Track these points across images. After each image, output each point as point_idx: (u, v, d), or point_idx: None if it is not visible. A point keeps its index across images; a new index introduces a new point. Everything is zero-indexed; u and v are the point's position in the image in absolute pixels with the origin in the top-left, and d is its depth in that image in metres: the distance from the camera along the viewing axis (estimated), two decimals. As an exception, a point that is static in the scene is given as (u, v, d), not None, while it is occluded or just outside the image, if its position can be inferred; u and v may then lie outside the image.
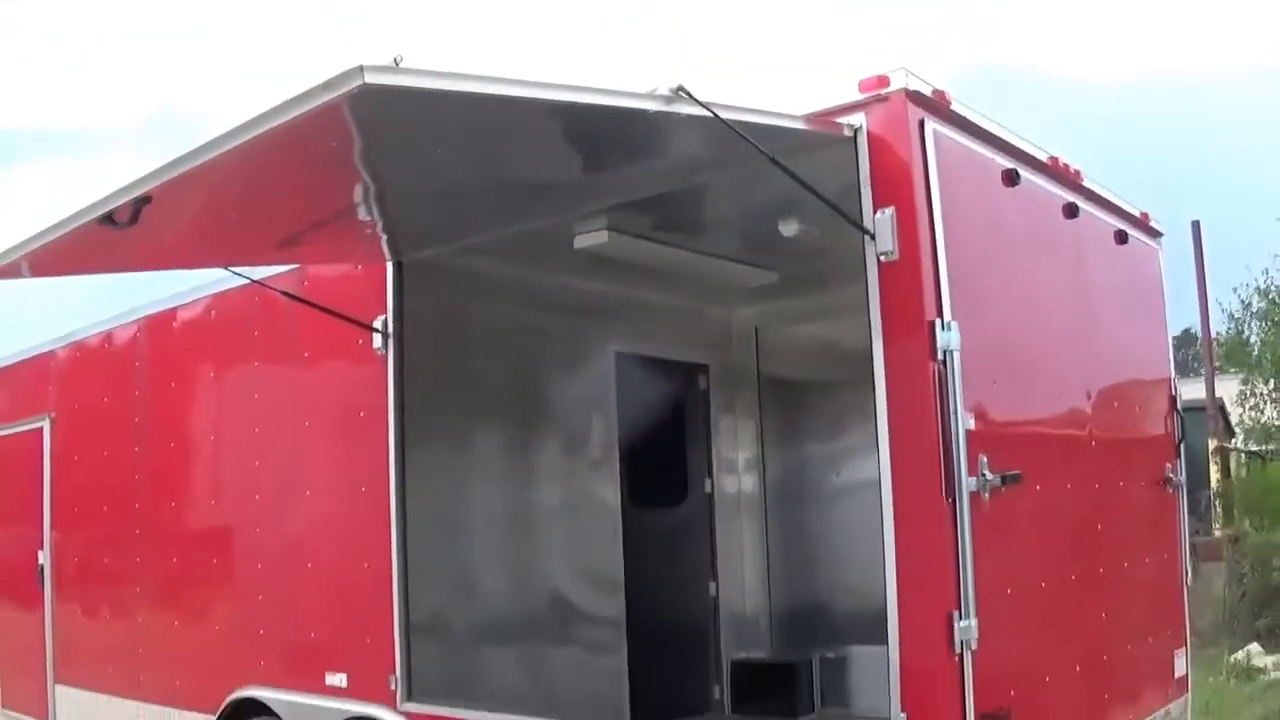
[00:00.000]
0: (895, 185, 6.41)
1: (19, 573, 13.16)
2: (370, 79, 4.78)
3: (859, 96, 6.59)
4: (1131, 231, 9.10)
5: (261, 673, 9.80)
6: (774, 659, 11.13)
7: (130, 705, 11.24)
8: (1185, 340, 52.19)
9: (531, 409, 10.18)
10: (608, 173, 7.55)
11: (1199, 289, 28.61)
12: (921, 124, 6.53)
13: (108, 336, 12.07)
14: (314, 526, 9.49)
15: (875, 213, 6.39)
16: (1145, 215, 9.50)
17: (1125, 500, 8.74)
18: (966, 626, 6.18)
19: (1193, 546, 17.41)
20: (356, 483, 9.01)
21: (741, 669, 10.91)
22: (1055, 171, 8.06)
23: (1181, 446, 9.64)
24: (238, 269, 8.95)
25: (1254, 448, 28.99)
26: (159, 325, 11.31)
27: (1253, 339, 29.17)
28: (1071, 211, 8.05)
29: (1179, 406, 9.72)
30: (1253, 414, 27.87)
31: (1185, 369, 47.00)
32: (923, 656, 6.26)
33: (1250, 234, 33.55)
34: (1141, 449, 9.19)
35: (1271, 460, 26.86)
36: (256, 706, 9.78)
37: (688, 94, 5.68)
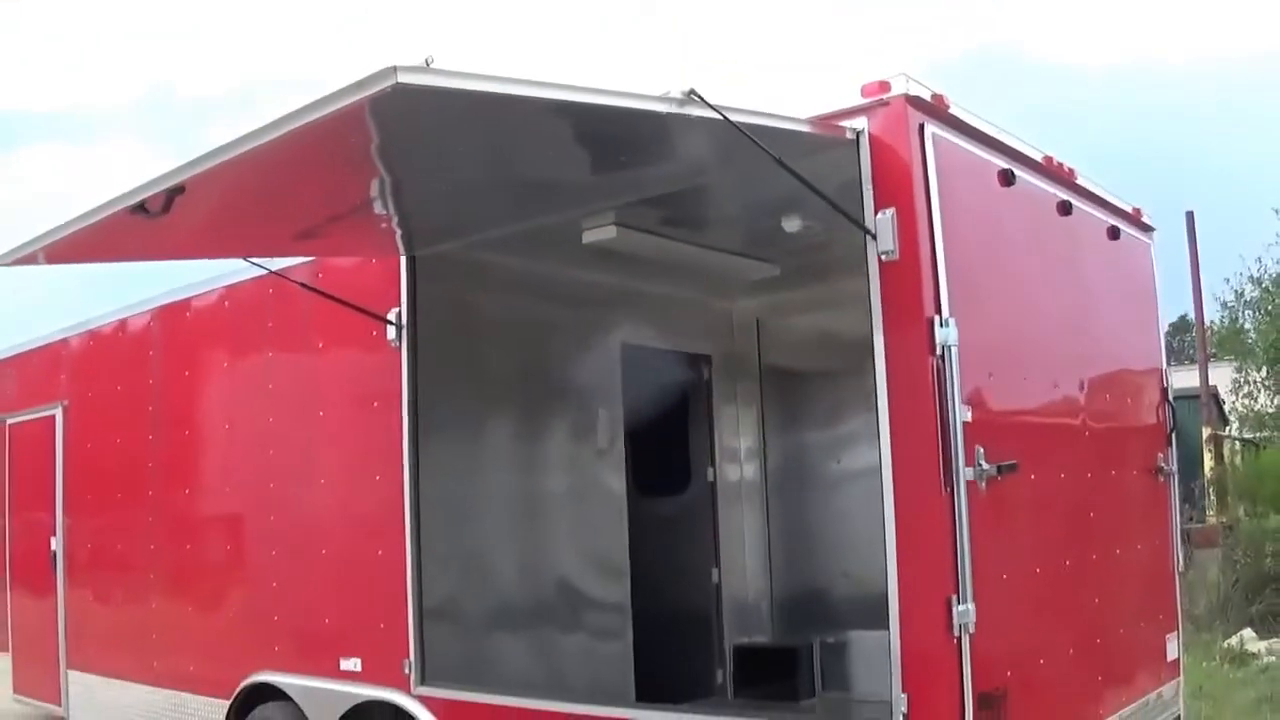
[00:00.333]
0: (896, 187, 6.57)
1: (31, 559, 13.27)
2: (403, 79, 4.93)
3: (861, 101, 6.75)
4: (1124, 227, 9.24)
5: (275, 658, 9.92)
6: (775, 644, 11.35)
7: (143, 690, 11.35)
8: (1180, 327, 52.35)
9: (540, 399, 10.29)
10: (618, 171, 7.69)
11: (1193, 279, 28.78)
12: (921, 127, 6.69)
13: (122, 325, 12.18)
14: (328, 514, 9.59)
15: (876, 213, 6.54)
16: (1137, 211, 9.64)
17: (1118, 489, 8.88)
18: (964, 610, 6.33)
19: (1187, 533, 17.59)
20: (371, 471, 9.13)
21: (743, 654, 11.12)
22: (1050, 170, 8.21)
23: (1173, 436, 9.77)
24: (256, 260, 9.06)
25: (1248, 435, 29.06)
26: (174, 315, 11.42)
27: (1247, 327, 29.28)
28: (1065, 209, 8.19)
29: (1170, 397, 9.84)
30: (1246, 402, 27.95)
31: (1180, 356, 47.12)
32: (922, 639, 6.40)
33: (1245, 222, 33.67)
34: (1134, 439, 9.33)
35: (1265, 447, 26.93)
36: (270, 691, 9.90)
37: (699, 97, 5.83)
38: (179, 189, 6.16)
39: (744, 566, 11.77)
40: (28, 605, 13.58)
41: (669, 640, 10.62)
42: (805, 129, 6.73)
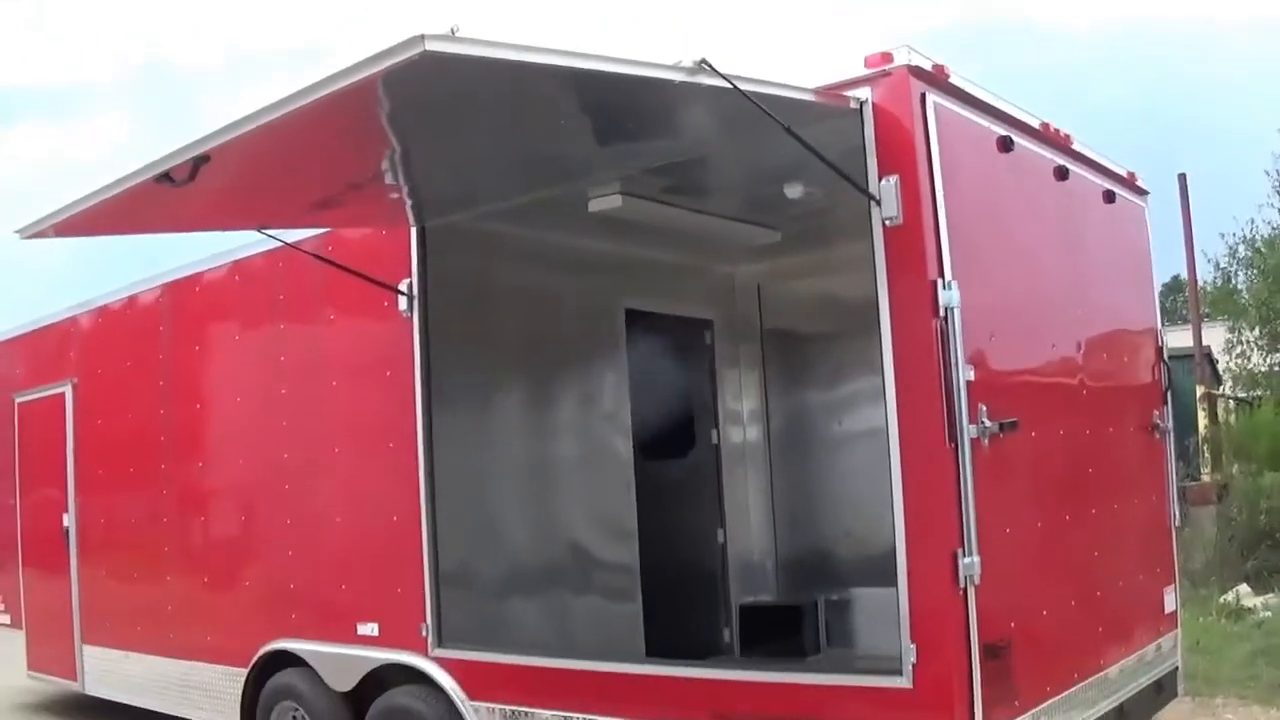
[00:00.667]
0: (899, 155, 6.73)
1: (44, 536, 13.32)
2: (431, 46, 5.08)
3: (865, 72, 6.90)
4: (1119, 191, 9.38)
5: (292, 625, 10.05)
6: (780, 602, 11.45)
7: (159, 662, 11.46)
8: (1174, 287, 52.33)
9: (547, 366, 10.44)
10: (626, 140, 7.81)
11: (1186, 239, 28.86)
12: (923, 97, 6.85)
13: (131, 302, 12.25)
14: (342, 482, 9.71)
15: (880, 180, 6.71)
16: (1132, 175, 9.78)
17: (1115, 445, 9.03)
18: (970, 563, 6.51)
19: (1182, 491, 17.75)
20: (384, 439, 9.26)
21: (749, 612, 11.20)
22: (1046, 136, 8.35)
23: (1168, 394, 9.92)
24: (270, 232, 9.14)
25: (1241, 394, 29.18)
26: (184, 290, 11.50)
27: (1240, 287, 29.37)
28: (1062, 174, 8.35)
29: (1165, 356, 9.99)
30: (1240, 361, 28.05)
31: (1174, 316, 47.14)
32: (929, 592, 6.58)
33: (1239, 183, 33.80)
34: (1130, 397, 9.48)
35: (1258, 406, 27.02)
36: (288, 658, 10.05)
37: (710, 66, 5.98)
38: (204, 158, 6.29)
39: (749, 527, 11.91)
40: (41, 582, 13.61)
41: (677, 600, 10.79)
42: (811, 98, 6.88)
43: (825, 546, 11.47)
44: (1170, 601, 9.70)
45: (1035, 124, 8.24)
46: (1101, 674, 8.21)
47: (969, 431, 6.66)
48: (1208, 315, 31.46)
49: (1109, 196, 9.21)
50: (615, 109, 7.08)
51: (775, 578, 11.89)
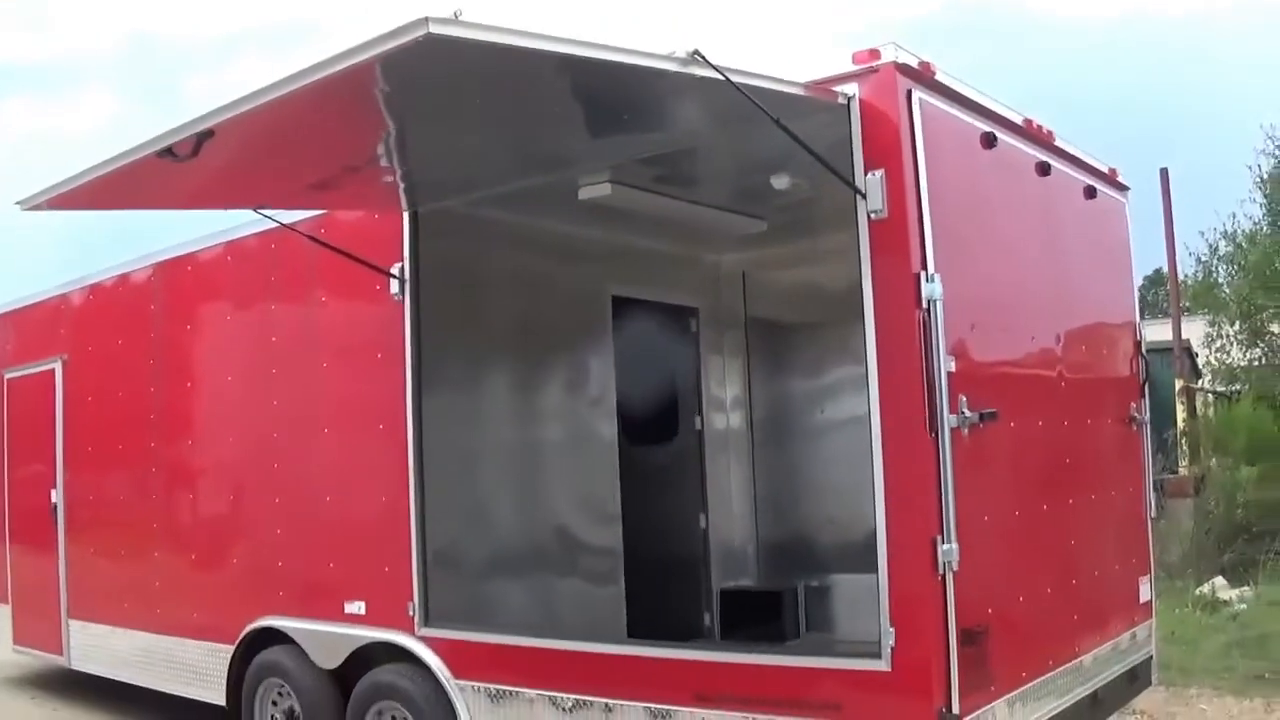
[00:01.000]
0: (885, 149, 6.86)
1: (31, 512, 13.36)
2: (435, 29, 5.19)
3: (852, 68, 7.04)
4: (1100, 186, 9.50)
5: (279, 603, 10.13)
6: (761, 587, 11.59)
7: (146, 638, 11.52)
8: (1157, 280, 52.37)
9: (535, 350, 10.53)
10: (619, 128, 7.91)
11: (1166, 234, 28.98)
12: (909, 93, 6.97)
13: (122, 280, 12.29)
14: (332, 462, 9.78)
15: (866, 174, 6.85)
16: (1113, 171, 9.90)
17: (1093, 437, 9.19)
18: (948, 550, 6.65)
19: (1161, 483, 17.86)
20: (374, 420, 9.32)
21: (730, 597, 11.31)
22: (1029, 133, 8.48)
23: (1146, 387, 10.06)
24: (266, 212, 9.24)
25: (1220, 388, 29.24)
26: (176, 269, 11.55)
27: (1220, 281, 29.41)
28: (1044, 170, 8.48)
29: (1143, 350, 10.13)
30: (1219, 355, 28.11)
31: (1155, 310, 47.16)
32: (908, 577, 6.70)
33: (1222, 178, 33.94)
34: (1108, 389, 9.62)
35: (1237, 400, 27.09)
36: (274, 635, 10.14)
37: (702, 57, 6.10)
38: (209, 133, 6.37)
39: (731, 513, 12.03)
40: (28, 557, 13.65)
41: (659, 584, 10.91)
42: (801, 92, 6.98)
43: (806, 533, 11.60)
44: (1146, 591, 9.84)
45: (1018, 120, 8.36)
46: (1076, 661, 8.34)
47: (949, 421, 6.77)
48: (1188, 309, 31.54)
49: (1090, 192, 9.32)
50: (609, 98, 7.16)
51: (756, 563, 12.01)
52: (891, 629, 6.71)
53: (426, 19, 5.18)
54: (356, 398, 9.60)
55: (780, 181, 8.69)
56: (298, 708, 9.95)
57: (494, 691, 8.47)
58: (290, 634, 10.01)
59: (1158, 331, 28.97)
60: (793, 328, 12.03)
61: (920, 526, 6.71)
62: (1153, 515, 10.24)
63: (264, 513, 10.44)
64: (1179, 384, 27.22)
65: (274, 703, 10.25)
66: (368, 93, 6.48)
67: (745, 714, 7.22)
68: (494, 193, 9.02)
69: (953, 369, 6.88)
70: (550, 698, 8.15)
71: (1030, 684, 7.64)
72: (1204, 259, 29.50)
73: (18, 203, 7.56)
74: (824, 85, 7.09)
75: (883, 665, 6.75)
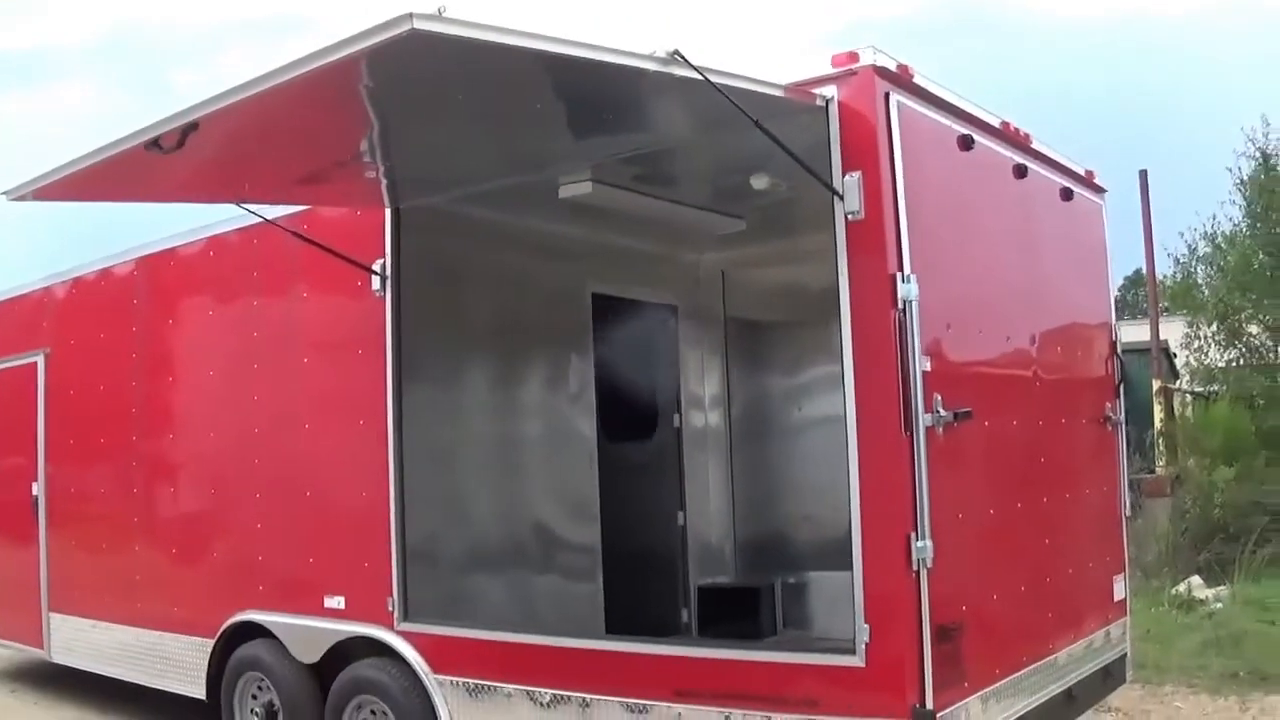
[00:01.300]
0: (862, 151, 6.92)
1: (12, 505, 13.33)
2: (419, 25, 5.26)
3: (831, 70, 7.10)
4: (1076, 189, 9.57)
5: (260, 597, 10.17)
6: (738, 584, 11.63)
7: (126, 632, 11.54)
8: (1136, 281, 52.51)
9: (516, 347, 10.58)
10: (600, 127, 7.96)
11: (1145, 235, 29.09)
12: (887, 96, 7.04)
13: (105, 274, 12.29)
14: (312, 457, 9.83)
15: (844, 176, 6.90)
16: (1090, 173, 9.96)
17: (1068, 436, 9.24)
18: (923, 547, 6.71)
19: (1138, 483, 17.91)
20: (355, 416, 9.38)
21: (707, 594, 11.32)
22: (1006, 135, 8.53)
23: (1121, 388, 10.11)
24: (249, 207, 9.26)
25: (1198, 389, 29.29)
26: (159, 264, 11.57)
27: (1199, 282, 29.46)
28: (1021, 172, 8.53)
29: (1119, 351, 10.17)
30: (1197, 356, 28.16)
31: (1135, 310, 47.28)
32: (883, 574, 6.78)
33: (1201, 179, 34.00)
34: (1083, 390, 9.67)
35: (1215, 401, 27.15)
36: (255, 630, 10.16)
37: (682, 57, 6.16)
38: (194, 126, 6.43)
39: (709, 510, 12.08)
40: (8, 550, 13.62)
41: (637, 581, 10.95)
42: (780, 94, 7.04)
43: (783, 530, 11.68)
44: (1120, 590, 9.89)
45: (995, 123, 8.41)
46: (1050, 658, 8.40)
47: (924, 420, 6.84)
48: (1167, 310, 31.63)
49: (1066, 194, 9.37)
50: (591, 96, 7.22)
51: (733, 560, 12.07)
52: (866, 625, 6.77)
53: (410, 15, 5.24)
54: (337, 393, 9.63)
55: (759, 182, 8.73)
56: (277, 702, 9.97)
57: (472, 686, 8.51)
58: (270, 628, 10.03)
59: (1137, 332, 29.04)
60: (771, 327, 12.12)
61: (895, 524, 6.77)
62: (1127, 514, 10.29)
63: (244, 507, 10.46)
64: (1157, 384, 27.27)
65: (254, 696, 10.27)
66: (352, 88, 6.53)
67: (722, 709, 7.28)
68: (476, 190, 9.06)
69: (928, 368, 6.94)
70: (528, 692, 8.19)
71: (1004, 681, 7.69)
72: (1183, 259, 29.61)
73: (3, 193, 7.59)
74: (803, 87, 7.14)
75: (857, 661, 6.82)
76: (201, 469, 11.15)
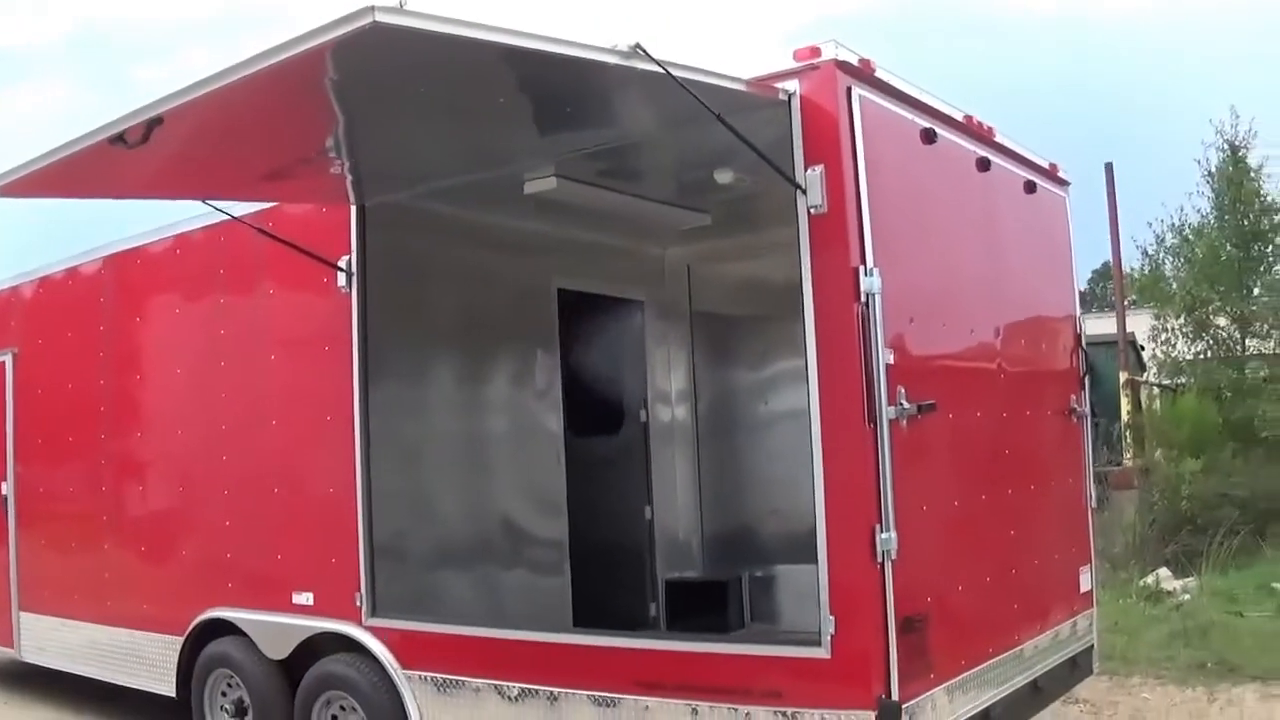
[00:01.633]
0: (825, 145, 6.95)
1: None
2: (380, 18, 5.26)
3: (794, 65, 7.13)
4: (1040, 182, 9.61)
5: (228, 594, 10.16)
6: (705, 578, 11.66)
7: (96, 630, 11.53)
8: (1104, 274, 52.62)
9: (482, 343, 10.59)
10: (563, 122, 7.96)
11: (1111, 228, 29.12)
12: (849, 90, 7.07)
13: (72, 273, 12.27)
14: (280, 454, 9.84)
15: (806, 170, 6.93)
16: (1054, 166, 10.01)
17: (1032, 428, 9.28)
18: (887, 538, 6.75)
19: (1104, 475, 17.95)
20: (322, 412, 9.40)
21: (675, 588, 11.37)
22: (969, 129, 8.57)
23: (1085, 380, 10.15)
24: (214, 203, 9.23)
25: (1165, 381, 29.36)
26: (126, 262, 11.56)
27: (1167, 274, 29.50)
28: (984, 165, 8.58)
29: (1084, 343, 10.21)
30: (1165, 348, 28.22)
31: (1103, 303, 47.37)
32: (848, 566, 6.81)
33: (1167, 173, 34.10)
34: (1048, 382, 9.72)
35: (1182, 393, 27.22)
36: (223, 626, 10.17)
37: (644, 51, 6.18)
38: (158, 120, 6.40)
39: (675, 504, 12.10)
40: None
41: (605, 575, 10.98)
42: (743, 88, 7.08)
43: (750, 524, 11.70)
44: (1086, 581, 9.94)
45: (958, 117, 8.45)
46: (1016, 649, 8.45)
47: (888, 413, 6.88)
48: (1134, 303, 31.68)
49: (1030, 187, 9.42)
50: (554, 91, 7.24)
51: (700, 554, 12.09)
52: (831, 617, 6.81)
53: (373, 8, 5.25)
54: (304, 390, 9.64)
55: (724, 176, 8.79)
56: (247, 698, 9.99)
57: (441, 681, 8.54)
58: (239, 625, 10.03)
59: (1104, 325, 29.11)
60: (737, 321, 12.12)
61: (859, 516, 6.81)
62: (1093, 506, 10.33)
63: (213, 504, 10.46)
64: (1124, 377, 27.36)
65: (224, 693, 10.28)
66: (316, 82, 6.55)
67: (689, 702, 7.31)
68: (441, 186, 9.09)
69: (891, 361, 6.97)
70: (496, 687, 8.22)
71: (970, 672, 7.74)
72: (1151, 252, 29.65)
73: None
74: (765, 82, 7.17)
75: (823, 653, 6.86)
76: (170, 467, 11.14)
